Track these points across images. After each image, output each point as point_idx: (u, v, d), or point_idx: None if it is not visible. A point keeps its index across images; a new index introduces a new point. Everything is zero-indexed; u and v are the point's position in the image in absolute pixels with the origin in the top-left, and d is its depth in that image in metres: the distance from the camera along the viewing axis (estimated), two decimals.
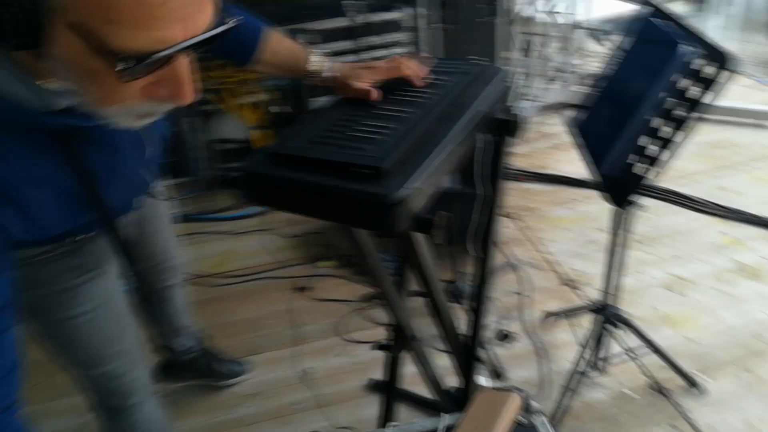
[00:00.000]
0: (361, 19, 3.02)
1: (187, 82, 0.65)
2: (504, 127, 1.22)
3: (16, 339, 0.77)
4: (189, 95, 0.66)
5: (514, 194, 2.94)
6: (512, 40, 4.22)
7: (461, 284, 2.14)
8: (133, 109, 0.67)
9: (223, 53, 1.12)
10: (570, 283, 2.32)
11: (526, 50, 3.89)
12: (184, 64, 0.64)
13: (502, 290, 2.32)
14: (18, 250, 0.99)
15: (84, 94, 0.64)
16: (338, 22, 3.01)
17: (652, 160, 1.25)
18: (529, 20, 3.91)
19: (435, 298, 1.11)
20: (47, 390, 1.83)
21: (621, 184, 1.30)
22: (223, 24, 0.65)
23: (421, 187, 0.87)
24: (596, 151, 1.44)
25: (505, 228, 2.71)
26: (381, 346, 1.39)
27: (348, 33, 3.08)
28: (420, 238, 0.93)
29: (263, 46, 1.11)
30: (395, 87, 1.13)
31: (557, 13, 3.79)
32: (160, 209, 1.43)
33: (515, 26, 4.15)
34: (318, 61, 1.12)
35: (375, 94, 1.05)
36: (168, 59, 0.61)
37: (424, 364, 1.43)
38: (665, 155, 1.22)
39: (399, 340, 1.38)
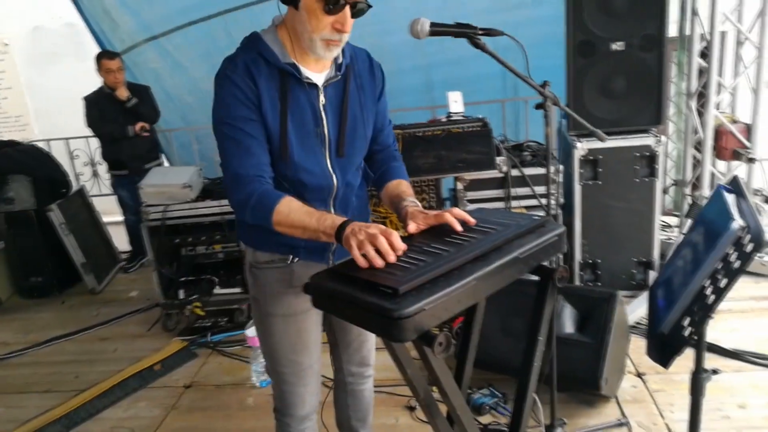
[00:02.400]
0: (511, 172, 3.33)
1: (348, 22, 1.38)
2: (545, 274, 1.39)
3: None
4: (348, 28, 1.39)
5: None
6: (683, 201, 4.16)
7: (554, 428, 2.13)
8: (326, 36, 1.38)
9: (375, 182, 1.68)
10: None
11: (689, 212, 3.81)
12: (347, 13, 1.37)
13: None
14: (258, 251, 1.58)
15: (308, 29, 1.38)
16: (490, 174, 3.36)
17: (696, 322, 1.29)
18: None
19: (452, 411, 1.26)
20: None
21: (667, 342, 1.35)
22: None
23: (427, 309, 1.09)
24: (661, 309, 1.49)
25: (633, 387, 2.62)
26: None
27: (499, 183, 3.40)
28: (429, 351, 1.13)
29: (391, 183, 1.62)
30: (452, 231, 1.38)
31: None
32: None
33: (685, 187, 4.10)
34: (405, 203, 1.50)
35: (411, 230, 1.39)
36: (344, 6, 1.35)
37: None
38: (705, 319, 1.26)
39: None
